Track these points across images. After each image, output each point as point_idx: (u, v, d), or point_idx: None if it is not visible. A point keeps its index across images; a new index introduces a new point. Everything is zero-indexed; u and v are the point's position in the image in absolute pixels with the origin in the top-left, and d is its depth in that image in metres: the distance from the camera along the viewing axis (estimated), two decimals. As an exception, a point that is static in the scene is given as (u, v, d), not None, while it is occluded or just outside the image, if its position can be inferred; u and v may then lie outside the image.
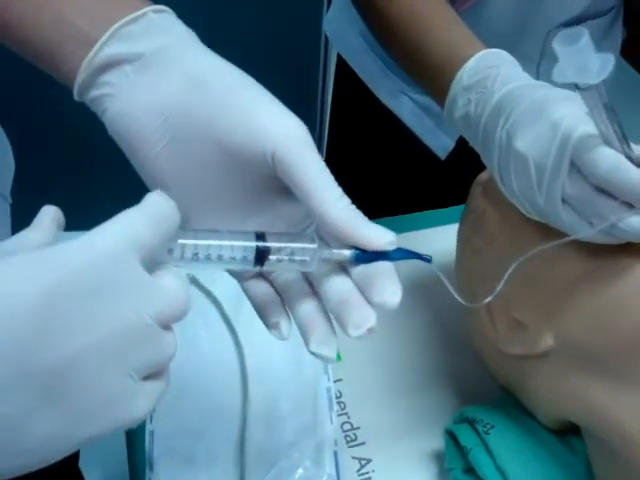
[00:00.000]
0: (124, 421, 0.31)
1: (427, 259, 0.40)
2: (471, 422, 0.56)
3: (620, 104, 0.41)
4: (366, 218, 0.37)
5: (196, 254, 0.35)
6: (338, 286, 0.38)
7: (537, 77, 0.51)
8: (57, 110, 1.33)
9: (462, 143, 0.56)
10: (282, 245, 0.37)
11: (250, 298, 0.42)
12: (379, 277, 0.37)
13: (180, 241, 0.34)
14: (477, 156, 0.53)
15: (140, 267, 0.31)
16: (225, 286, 0.68)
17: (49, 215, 0.34)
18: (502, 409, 0.57)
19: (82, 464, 0.86)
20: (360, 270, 0.38)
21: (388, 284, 0.37)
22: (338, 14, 1.00)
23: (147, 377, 0.32)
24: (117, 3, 0.40)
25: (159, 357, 0.32)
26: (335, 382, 0.64)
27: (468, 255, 0.59)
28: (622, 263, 0.47)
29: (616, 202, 0.42)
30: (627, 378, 0.47)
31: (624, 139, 0.42)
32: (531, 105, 0.47)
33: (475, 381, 0.65)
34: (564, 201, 0.44)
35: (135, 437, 0.60)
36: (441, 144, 0.93)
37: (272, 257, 0.37)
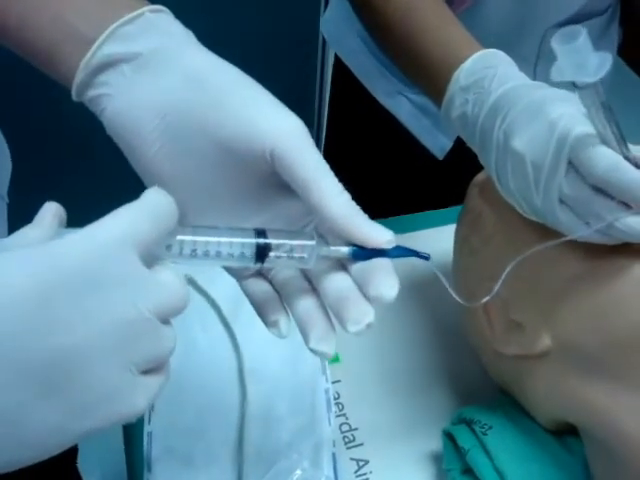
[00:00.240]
0: (123, 415, 0.31)
1: (425, 257, 0.40)
2: (469, 423, 0.56)
3: (617, 105, 0.41)
4: (366, 215, 0.37)
5: (194, 250, 0.35)
6: (337, 283, 0.38)
7: (534, 78, 0.51)
8: (55, 110, 1.33)
9: (460, 143, 0.56)
10: (280, 242, 0.37)
11: (249, 296, 0.42)
12: (376, 272, 0.37)
13: (179, 237, 0.35)
14: (475, 156, 0.53)
15: (138, 261, 0.31)
16: (223, 288, 0.68)
17: (50, 212, 0.35)
18: (500, 410, 0.57)
19: (80, 465, 0.86)
20: (358, 267, 0.38)
21: (385, 278, 0.37)
22: (335, 15, 1.00)
23: (147, 371, 0.32)
24: (115, 3, 0.40)
25: (158, 351, 0.32)
26: (333, 383, 0.64)
27: (465, 255, 0.59)
28: (619, 263, 0.47)
29: (613, 202, 0.42)
30: (625, 378, 0.47)
31: (622, 139, 0.42)
32: (528, 105, 0.47)
33: (473, 382, 0.65)
34: (561, 201, 0.44)
35: (133, 438, 0.60)
36: (439, 144, 0.93)
37: (270, 254, 0.37)
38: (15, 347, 0.28)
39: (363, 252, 0.37)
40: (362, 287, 0.37)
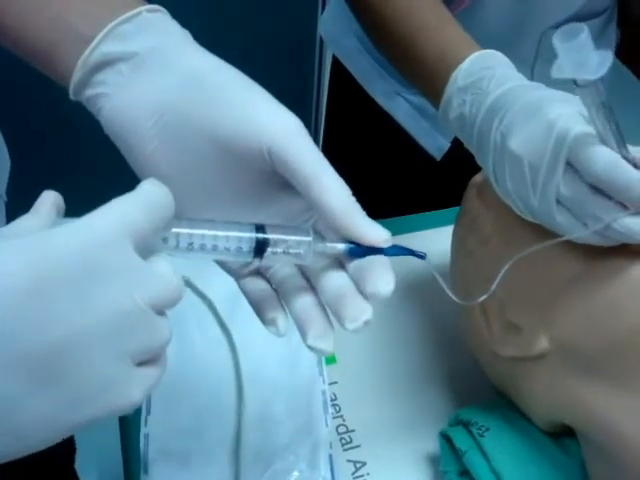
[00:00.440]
0: (119, 406, 0.31)
1: (421, 255, 0.40)
2: (466, 424, 0.56)
3: (614, 106, 0.41)
4: (364, 213, 0.37)
5: (191, 243, 0.35)
6: (334, 280, 0.38)
7: (531, 78, 0.51)
8: (53, 109, 1.33)
9: (457, 144, 0.56)
10: (277, 237, 0.37)
11: (246, 294, 0.42)
12: (373, 269, 0.37)
13: (174, 230, 0.34)
14: (472, 157, 0.53)
15: (133, 252, 0.31)
16: (220, 289, 0.68)
17: (49, 200, 0.34)
18: (497, 411, 0.57)
19: (78, 466, 0.86)
20: (356, 264, 0.38)
21: (381, 275, 0.37)
22: (333, 15, 1.00)
23: (143, 363, 0.32)
24: (112, 3, 0.40)
25: (153, 342, 0.32)
26: (330, 385, 0.64)
27: (463, 256, 0.59)
28: (617, 265, 0.47)
29: (611, 202, 0.42)
30: (622, 380, 0.47)
31: (621, 139, 0.42)
32: (526, 105, 0.47)
33: (470, 383, 0.65)
34: (558, 202, 0.44)
35: (130, 439, 0.60)
36: (436, 145, 0.93)
37: (267, 249, 0.37)
38: (9, 336, 0.27)
39: (359, 249, 0.37)
40: (359, 284, 0.38)
